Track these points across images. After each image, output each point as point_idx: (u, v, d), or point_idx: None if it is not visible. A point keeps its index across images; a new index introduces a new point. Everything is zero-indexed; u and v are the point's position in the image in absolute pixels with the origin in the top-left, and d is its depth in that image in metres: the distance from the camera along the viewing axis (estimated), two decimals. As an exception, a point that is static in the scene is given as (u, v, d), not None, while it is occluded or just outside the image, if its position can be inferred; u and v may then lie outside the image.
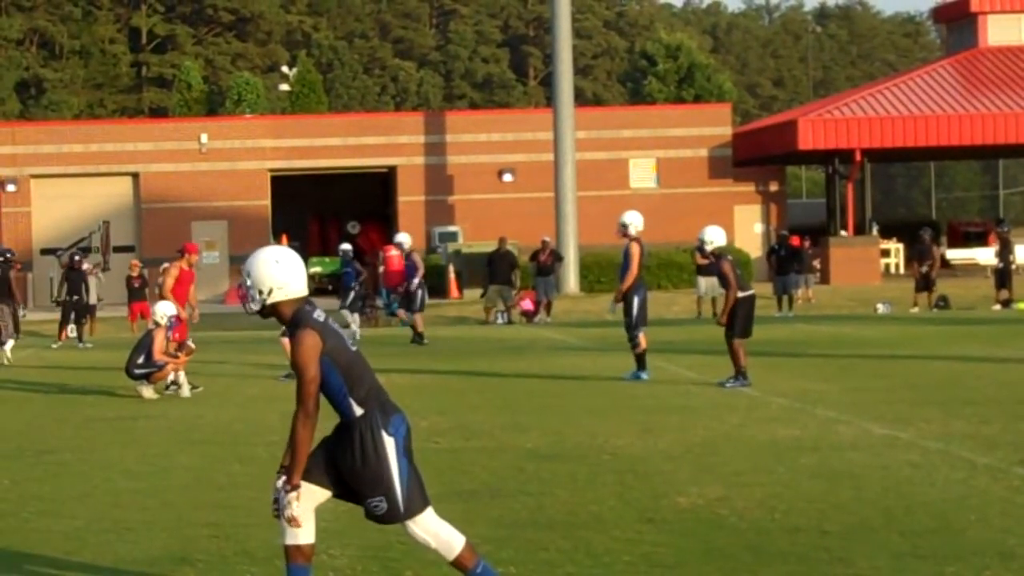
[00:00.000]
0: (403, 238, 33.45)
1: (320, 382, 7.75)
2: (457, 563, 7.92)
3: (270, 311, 7.98)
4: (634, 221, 21.79)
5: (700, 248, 21.84)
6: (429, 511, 7.90)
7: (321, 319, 7.88)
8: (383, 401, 7.89)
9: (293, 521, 7.80)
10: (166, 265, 36.45)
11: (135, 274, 42.49)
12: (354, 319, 31.08)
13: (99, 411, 19.37)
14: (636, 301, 21.69)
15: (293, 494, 7.77)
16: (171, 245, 55.76)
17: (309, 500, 7.86)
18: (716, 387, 20.21)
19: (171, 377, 21.32)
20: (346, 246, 32.96)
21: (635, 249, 21.55)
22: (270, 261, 7.95)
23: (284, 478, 7.80)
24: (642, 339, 21.71)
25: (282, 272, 7.92)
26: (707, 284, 40.56)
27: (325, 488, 7.92)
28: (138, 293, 42.00)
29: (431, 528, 7.90)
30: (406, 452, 7.85)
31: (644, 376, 21.56)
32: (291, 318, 7.91)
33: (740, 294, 20.50)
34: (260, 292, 7.93)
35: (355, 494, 7.89)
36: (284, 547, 7.94)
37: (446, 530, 7.92)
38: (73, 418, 18.61)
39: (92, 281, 41.77)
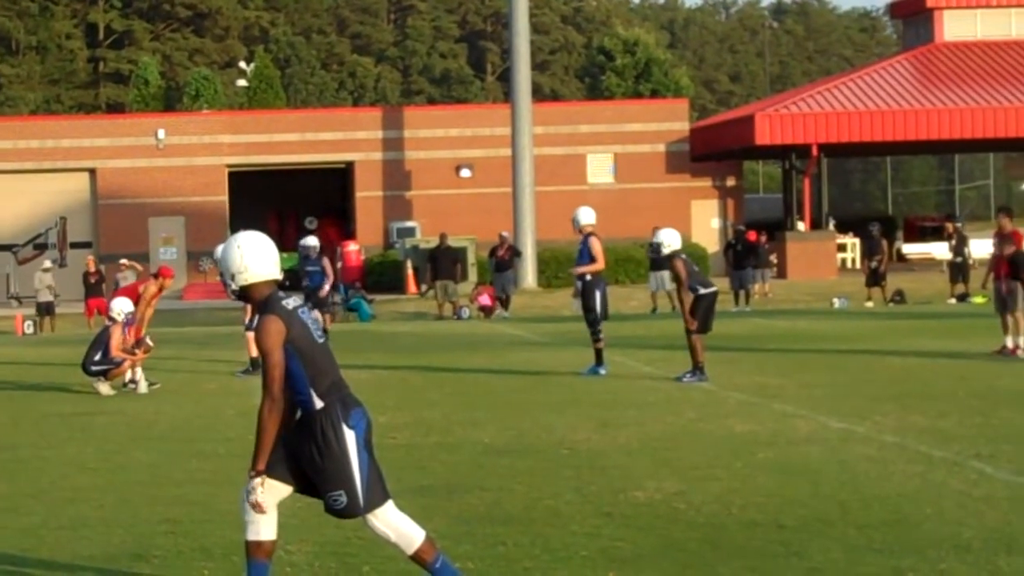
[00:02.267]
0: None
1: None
2: (416, 557, 7.94)
3: (243, 295, 8.05)
4: (586, 217, 21.89)
5: (655, 249, 21.92)
6: (389, 505, 7.92)
7: (289, 307, 7.91)
8: (344, 395, 7.91)
9: (258, 507, 7.81)
10: (124, 262, 36.43)
11: (92, 270, 42.32)
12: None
13: (55, 407, 19.28)
14: (598, 295, 21.74)
15: (258, 480, 7.78)
16: (128, 241, 55.89)
17: (271, 495, 7.86)
18: (673, 382, 20.25)
19: (128, 375, 21.24)
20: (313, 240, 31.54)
21: (596, 243, 21.61)
22: (232, 247, 8.03)
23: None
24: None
25: (243, 257, 7.97)
26: (658, 279, 40.80)
27: (287, 483, 7.92)
28: (95, 289, 41.80)
29: (391, 522, 7.91)
30: (366, 446, 7.88)
31: (602, 371, 21.58)
32: (261, 303, 7.95)
33: (703, 291, 20.57)
34: (228, 278, 8.03)
35: (316, 488, 7.90)
36: (245, 543, 7.94)
37: (406, 524, 7.94)
38: (29, 414, 18.53)
39: (46, 278, 41.63)
